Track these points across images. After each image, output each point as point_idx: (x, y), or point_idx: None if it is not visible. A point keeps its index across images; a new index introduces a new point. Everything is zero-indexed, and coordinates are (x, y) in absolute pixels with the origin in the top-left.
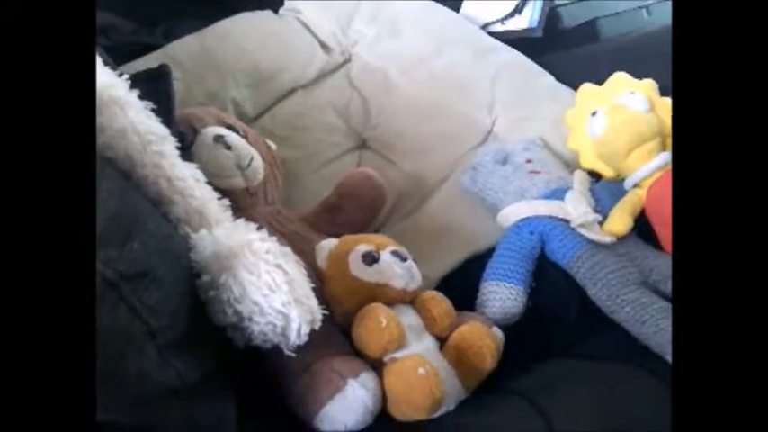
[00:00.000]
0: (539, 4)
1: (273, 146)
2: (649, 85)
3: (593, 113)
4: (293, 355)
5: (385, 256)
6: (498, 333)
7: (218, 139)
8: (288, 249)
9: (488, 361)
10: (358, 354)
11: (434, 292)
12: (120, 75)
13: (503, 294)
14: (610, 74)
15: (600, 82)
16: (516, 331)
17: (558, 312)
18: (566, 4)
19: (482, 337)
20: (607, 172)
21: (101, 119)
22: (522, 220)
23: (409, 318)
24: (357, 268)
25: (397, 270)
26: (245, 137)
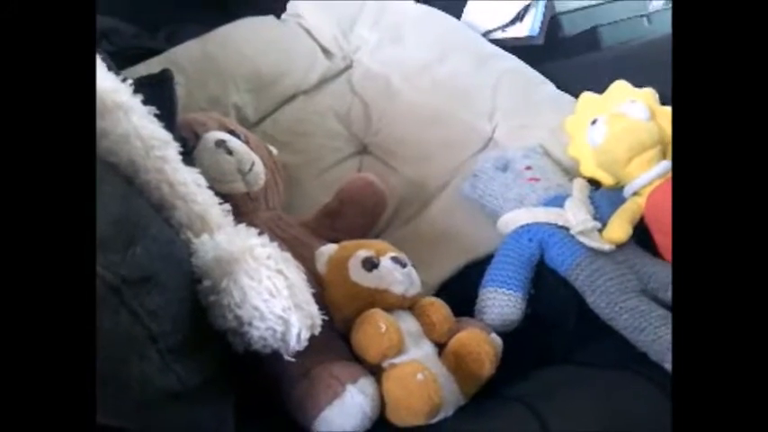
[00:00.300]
0: (540, 13)
1: (275, 151)
2: (649, 93)
3: (593, 122)
4: (293, 360)
5: (385, 261)
6: (497, 339)
7: (220, 143)
8: (288, 255)
9: (487, 367)
10: (357, 359)
11: (433, 298)
12: (124, 80)
13: (501, 301)
14: (610, 82)
15: (600, 90)
16: (515, 338)
17: (557, 319)
18: (567, 13)
19: (481, 344)
20: (607, 180)
21: (104, 124)
22: (522, 226)
23: (408, 324)
24: (357, 274)
25: (396, 276)
26: (246, 142)
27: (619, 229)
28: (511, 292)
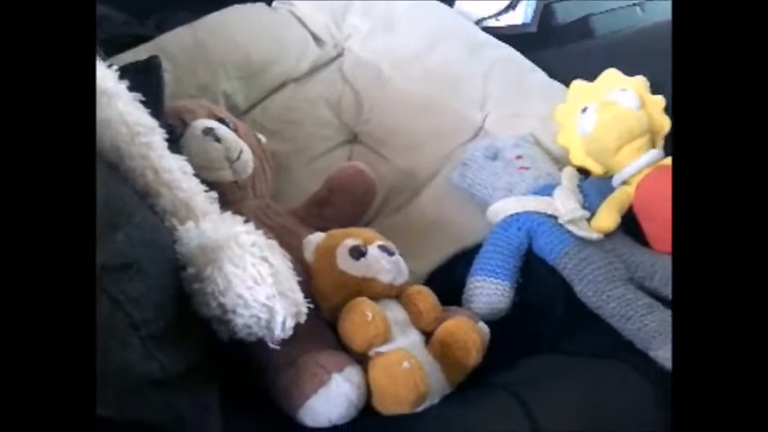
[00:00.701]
0: (533, 1)
1: (264, 139)
2: (640, 82)
3: (583, 110)
4: (278, 348)
5: (372, 250)
6: (484, 328)
7: (208, 131)
8: (274, 242)
9: (473, 356)
10: (344, 348)
11: (421, 287)
12: (110, 66)
13: (489, 290)
14: (603, 70)
15: (593, 78)
16: (502, 326)
17: (545, 308)
18: (560, 1)
19: (467, 332)
20: (596, 168)
21: None
22: (511, 215)
23: (395, 312)
24: (344, 262)
25: (384, 264)
26: (235, 130)
27: (607, 217)
28: (499, 280)
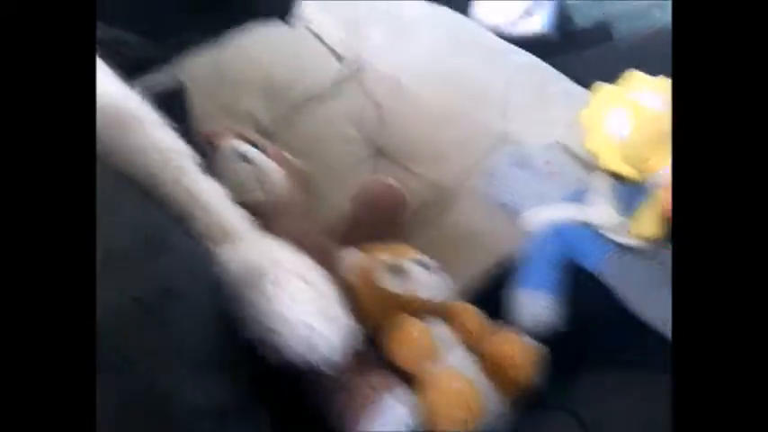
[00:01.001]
0: (550, 6)
1: (295, 160)
2: (665, 82)
3: (612, 112)
4: (327, 371)
5: (409, 265)
6: (533, 343)
7: (238, 153)
8: (312, 262)
9: (524, 372)
10: (390, 366)
11: (465, 304)
12: (139, 91)
13: (534, 302)
14: (622, 73)
15: (613, 82)
16: (552, 340)
17: (593, 319)
18: (578, 5)
19: (516, 348)
20: (630, 173)
21: (120, 136)
22: (547, 224)
23: (440, 330)
24: (383, 279)
25: (422, 279)
26: (264, 151)
27: (648, 223)
28: (542, 292)
